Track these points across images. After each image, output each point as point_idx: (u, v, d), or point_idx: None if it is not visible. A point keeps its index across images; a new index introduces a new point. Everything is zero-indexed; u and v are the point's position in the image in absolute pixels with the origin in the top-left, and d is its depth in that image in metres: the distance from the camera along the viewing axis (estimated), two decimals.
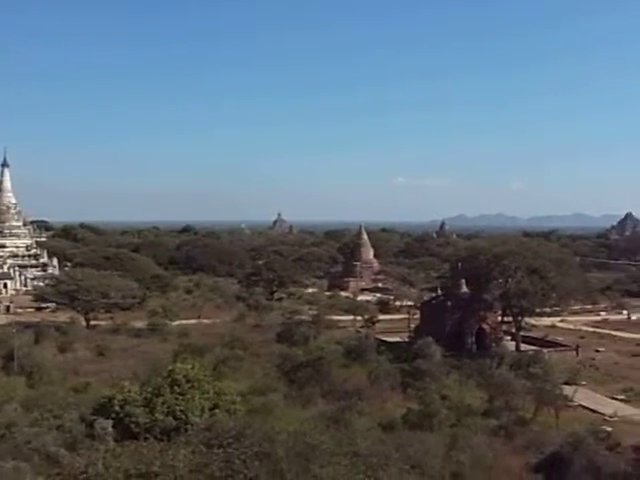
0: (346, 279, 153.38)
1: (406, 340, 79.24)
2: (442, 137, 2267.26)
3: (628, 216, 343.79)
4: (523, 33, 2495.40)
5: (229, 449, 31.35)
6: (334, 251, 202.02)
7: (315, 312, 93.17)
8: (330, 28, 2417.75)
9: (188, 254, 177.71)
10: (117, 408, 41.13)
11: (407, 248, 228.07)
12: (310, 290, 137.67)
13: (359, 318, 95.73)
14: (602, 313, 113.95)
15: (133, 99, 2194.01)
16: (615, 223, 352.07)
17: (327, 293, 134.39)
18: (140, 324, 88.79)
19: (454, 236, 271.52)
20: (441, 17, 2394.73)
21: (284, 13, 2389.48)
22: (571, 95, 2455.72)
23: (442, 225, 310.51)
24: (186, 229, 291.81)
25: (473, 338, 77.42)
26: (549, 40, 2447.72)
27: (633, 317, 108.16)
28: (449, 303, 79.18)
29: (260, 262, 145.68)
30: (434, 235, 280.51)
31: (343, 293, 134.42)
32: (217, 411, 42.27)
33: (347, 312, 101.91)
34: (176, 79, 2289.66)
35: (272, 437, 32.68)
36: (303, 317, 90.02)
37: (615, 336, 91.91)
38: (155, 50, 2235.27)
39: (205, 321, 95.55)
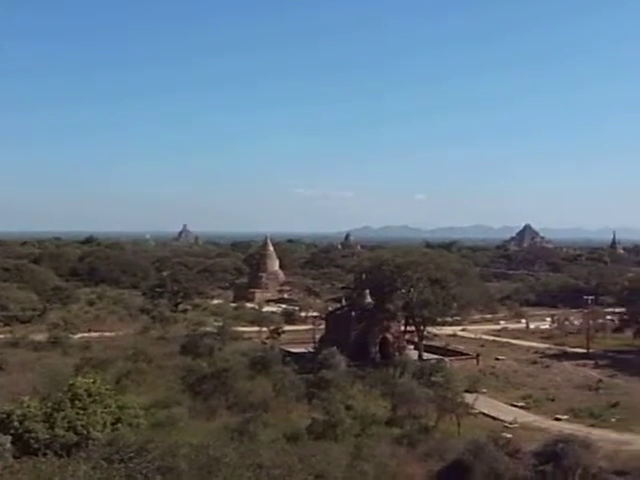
0: (252, 290, 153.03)
1: (311, 351, 79.56)
2: (346, 149, 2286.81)
3: (527, 228, 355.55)
4: (427, 50, 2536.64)
5: (130, 464, 30.89)
6: (240, 262, 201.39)
7: (220, 324, 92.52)
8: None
9: (91, 265, 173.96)
10: (16, 424, 39.97)
11: (313, 259, 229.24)
12: (215, 301, 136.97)
13: (265, 329, 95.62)
14: (501, 322, 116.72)
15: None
16: (514, 234, 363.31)
17: (233, 304, 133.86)
18: (40, 337, 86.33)
19: (359, 247, 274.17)
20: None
21: None
22: (475, 112, 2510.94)
23: (347, 236, 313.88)
24: (89, 240, 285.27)
25: (377, 348, 78.32)
26: (453, 58, 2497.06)
27: (531, 326, 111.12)
28: (353, 313, 79.87)
29: (165, 273, 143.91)
30: (339, 246, 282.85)
31: (249, 304, 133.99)
32: (119, 425, 41.56)
33: (253, 323, 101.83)
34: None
35: (174, 451, 32.43)
36: (208, 329, 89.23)
37: (514, 344, 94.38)
38: None
39: (108, 334, 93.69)
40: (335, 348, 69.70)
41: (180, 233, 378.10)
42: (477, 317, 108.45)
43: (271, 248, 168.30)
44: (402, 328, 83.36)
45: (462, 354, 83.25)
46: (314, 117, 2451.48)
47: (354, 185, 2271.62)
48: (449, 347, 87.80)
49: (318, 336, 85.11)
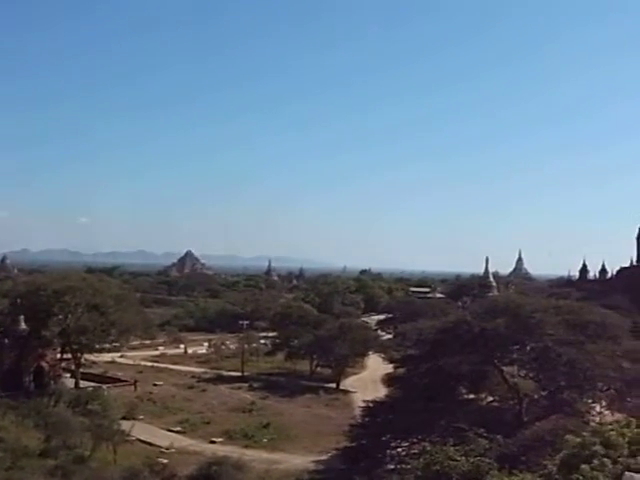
0: None
1: None
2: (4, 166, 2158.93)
3: (188, 254, 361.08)
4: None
5: None
6: None
7: None
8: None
9: None
10: None
11: None
12: None
13: None
14: (160, 348, 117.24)
15: None
16: (176, 260, 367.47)
17: None
18: None
19: (16, 271, 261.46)
20: None
21: None
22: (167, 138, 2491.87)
23: (3, 259, 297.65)
24: None
25: (31, 376, 75.38)
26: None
27: (190, 351, 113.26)
28: (6, 341, 76.40)
29: None
30: None
31: None
32: None
33: None
34: None
35: None
36: None
37: (173, 370, 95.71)
38: None
39: None
40: None
41: None
42: (136, 343, 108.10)
43: None
44: (58, 355, 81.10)
45: (120, 381, 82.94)
46: None
47: (11, 205, 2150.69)
48: (107, 374, 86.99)
49: None
